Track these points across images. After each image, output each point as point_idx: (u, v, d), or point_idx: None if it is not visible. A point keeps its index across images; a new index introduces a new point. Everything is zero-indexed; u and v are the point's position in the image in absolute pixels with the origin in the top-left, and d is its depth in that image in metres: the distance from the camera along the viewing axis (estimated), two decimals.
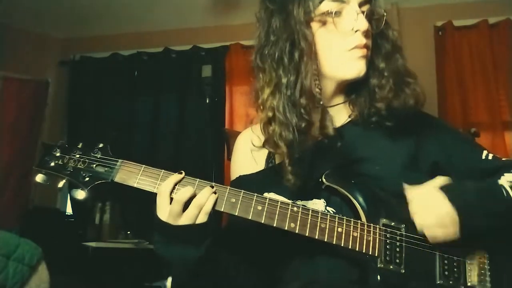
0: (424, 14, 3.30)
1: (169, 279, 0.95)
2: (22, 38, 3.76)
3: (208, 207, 0.89)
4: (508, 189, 0.92)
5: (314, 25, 0.96)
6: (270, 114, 0.95)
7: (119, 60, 3.82)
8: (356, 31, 0.95)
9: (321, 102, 0.97)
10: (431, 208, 0.89)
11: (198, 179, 0.93)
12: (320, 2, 0.95)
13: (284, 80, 0.95)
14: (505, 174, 0.95)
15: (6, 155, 3.52)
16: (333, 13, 0.95)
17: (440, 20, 3.23)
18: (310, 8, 0.95)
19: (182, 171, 0.93)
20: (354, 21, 0.94)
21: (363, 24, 0.94)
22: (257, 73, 1.01)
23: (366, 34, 0.96)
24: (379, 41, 1.02)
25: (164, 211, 0.90)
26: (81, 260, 2.72)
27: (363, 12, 0.96)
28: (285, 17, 0.97)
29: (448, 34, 3.17)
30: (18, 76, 3.69)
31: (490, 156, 1.02)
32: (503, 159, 1.03)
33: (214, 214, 0.91)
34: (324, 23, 0.96)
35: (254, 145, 1.04)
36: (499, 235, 0.93)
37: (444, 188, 0.90)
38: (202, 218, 0.90)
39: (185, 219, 0.89)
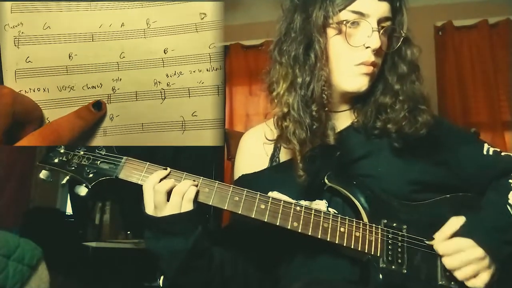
0: (424, 14, 3.28)
1: (162, 278, 0.94)
2: None
3: (190, 195, 0.90)
4: None
5: (331, 31, 0.97)
6: (285, 110, 0.96)
7: None
8: (367, 48, 0.95)
9: (326, 109, 0.97)
10: (466, 259, 0.88)
11: (185, 173, 0.94)
12: (340, 11, 0.95)
13: (299, 80, 0.96)
14: None
15: (6, 155, 3.52)
16: (350, 23, 0.95)
17: (440, 20, 3.23)
18: (330, 14, 0.94)
19: (168, 167, 0.94)
20: (368, 37, 0.94)
21: (375, 43, 0.94)
22: (273, 64, 1.02)
23: (376, 52, 0.96)
24: (396, 59, 1.02)
25: (150, 205, 0.91)
26: (81, 260, 2.71)
27: (383, 27, 0.96)
28: (305, 17, 0.97)
29: (448, 34, 3.16)
30: None
31: (491, 151, 1.04)
32: (502, 153, 1.04)
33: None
34: (339, 31, 0.96)
35: (267, 139, 1.05)
36: None
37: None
38: (186, 206, 0.90)
39: (170, 209, 0.90)
